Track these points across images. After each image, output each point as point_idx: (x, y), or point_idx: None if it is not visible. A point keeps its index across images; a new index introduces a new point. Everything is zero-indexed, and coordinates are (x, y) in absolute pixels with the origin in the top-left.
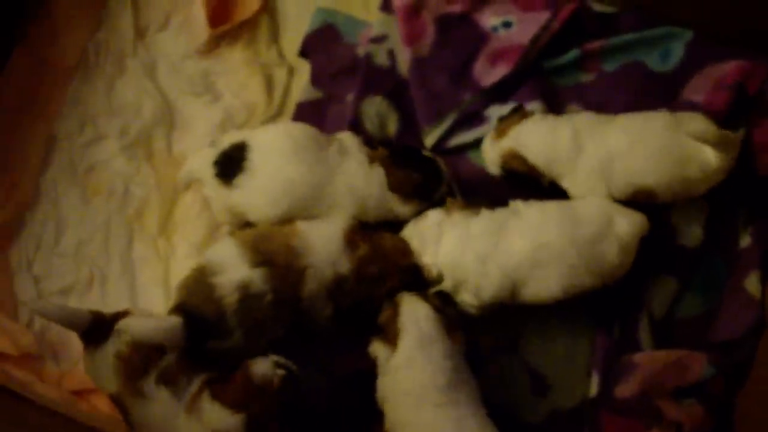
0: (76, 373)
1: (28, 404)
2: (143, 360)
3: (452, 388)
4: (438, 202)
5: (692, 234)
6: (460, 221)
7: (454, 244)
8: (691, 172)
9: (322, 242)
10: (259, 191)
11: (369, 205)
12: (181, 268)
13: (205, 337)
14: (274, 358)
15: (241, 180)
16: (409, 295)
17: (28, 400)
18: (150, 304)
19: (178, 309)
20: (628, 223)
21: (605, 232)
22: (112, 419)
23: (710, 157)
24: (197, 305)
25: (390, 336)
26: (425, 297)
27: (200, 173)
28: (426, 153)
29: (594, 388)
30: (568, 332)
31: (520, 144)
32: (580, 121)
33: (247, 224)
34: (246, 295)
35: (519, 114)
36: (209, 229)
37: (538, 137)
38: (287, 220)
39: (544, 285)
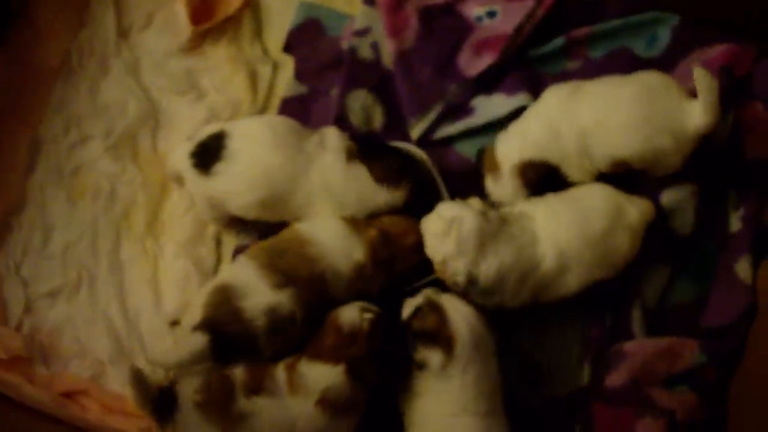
0: (66, 375)
1: (17, 407)
2: (219, 390)
3: (492, 395)
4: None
5: (685, 220)
6: (506, 231)
7: (505, 261)
8: (664, 142)
9: (332, 238)
10: (238, 177)
11: (348, 200)
12: (170, 267)
13: (233, 355)
14: (359, 304)
15: (219, 167)
16: (447, 298)
17: (17, 403)
18: (139, 305)
19: (204, 325)
20: (637, 212)
21: (616, 224)
22: (102, 421)
23: (688, 121)
24: (225, 326)
25: (443, 341)
26: (462, 297)
27: (179, 166)
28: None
29: (586, 378)
30: (561, 322)
31: (522, 155)
32: (547, 106)
33: (233, 221)
34: (275, 317)
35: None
36: (196, 228)
37: (526, 139)
38: (268, 207)
39: (563, 287)
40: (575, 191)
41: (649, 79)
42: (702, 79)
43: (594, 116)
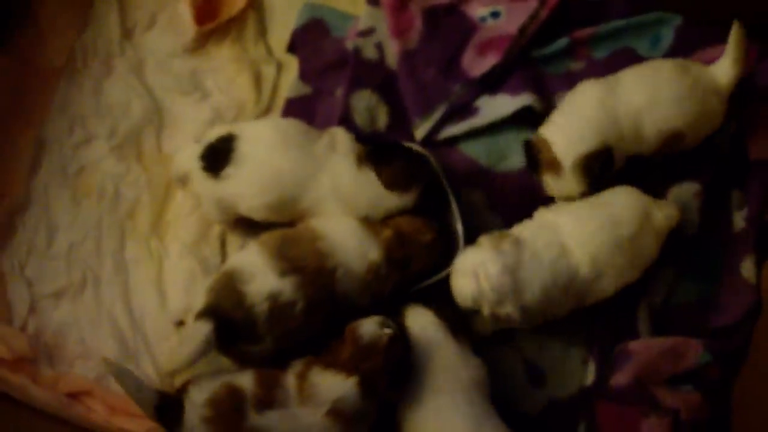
0: (71, 375)
1: (22, 407)
2: (228, 406)
3: (468, 388)
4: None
5: (689, 220)
6: (527, 251)
7: (545, 279)
8: (712, 102)
9: (346, 237)
10: (248, 180)
11: (358, 204)
12: (174, 267)
13: (235, 340)
14: (379, 318)
15: (229, 171)
16: (412, 306)
17: (23, 404)
18: (143, 305)
19: (208, 311)
20: (664, 217)
21: (644, 229)
22: (107, 422)
23: (721, 79)
24: (227, 310)
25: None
26: (428, 306)
27: (187, 168)
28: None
29: (590, 377)
30: (564, 322)
31: (585, 146)
32: (590, 93)
33: (239, 221)
34: (276, 304)
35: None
36: (201, 229)
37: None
38: (277, 209)
39: (601, 292)
40: (601, 197)
41: (670, 60)
42: (735, 33)
43: (645, 94)
